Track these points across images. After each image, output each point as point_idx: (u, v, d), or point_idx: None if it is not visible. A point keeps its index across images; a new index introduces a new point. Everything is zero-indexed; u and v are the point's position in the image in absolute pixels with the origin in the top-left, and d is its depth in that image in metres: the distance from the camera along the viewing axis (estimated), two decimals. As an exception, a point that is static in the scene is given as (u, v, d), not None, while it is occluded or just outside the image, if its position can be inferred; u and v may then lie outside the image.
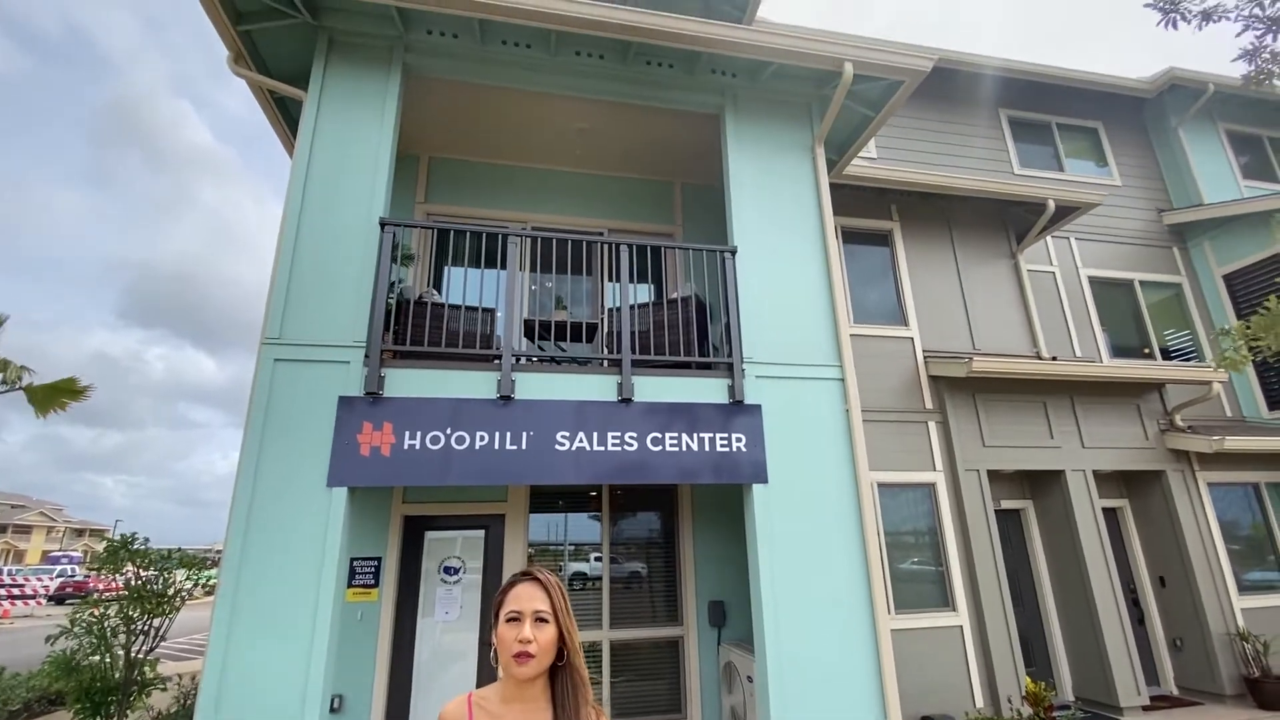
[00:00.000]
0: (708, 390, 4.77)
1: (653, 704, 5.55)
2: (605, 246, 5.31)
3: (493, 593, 5.43)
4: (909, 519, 6.44)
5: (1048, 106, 9.72)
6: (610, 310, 5.28)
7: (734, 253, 5.11)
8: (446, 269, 6.32)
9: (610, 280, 6.31)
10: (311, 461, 4.00)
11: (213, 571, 10.14)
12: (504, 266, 6.52)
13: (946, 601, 6.18)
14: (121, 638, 5.53)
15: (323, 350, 4.22)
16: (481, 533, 5.67)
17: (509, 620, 1.41)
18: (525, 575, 1.48)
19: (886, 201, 7.69)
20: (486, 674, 5.24)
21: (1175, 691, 6.68)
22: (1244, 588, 6.92)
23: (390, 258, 4.51)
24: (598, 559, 5.86)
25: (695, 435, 4.58)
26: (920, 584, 6.24)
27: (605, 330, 5.22)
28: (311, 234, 4.47)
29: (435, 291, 5.17)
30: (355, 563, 5.20)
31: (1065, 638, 6.71)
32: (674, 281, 6.76)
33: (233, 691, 3.56)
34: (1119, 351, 8.59)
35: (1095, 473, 6.96)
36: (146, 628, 5.64)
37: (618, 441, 4.44)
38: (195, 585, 6.72)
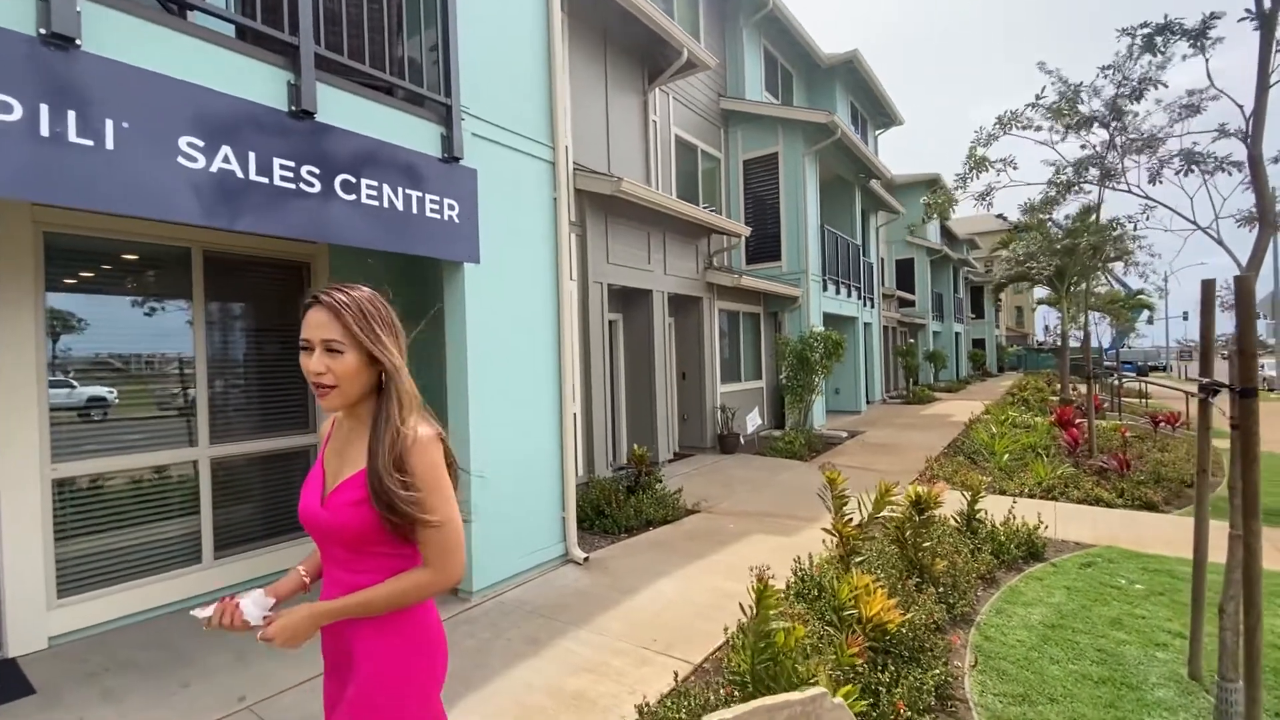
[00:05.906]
0: (417, 134, 3.62)
1: (279, 524, 4.45)
2: None
3: (-29, 406, 3.19)
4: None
5: (676, -40, 10.39)
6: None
7: (456, -45, 3.80)
8: None
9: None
10: None
11: None
12: None
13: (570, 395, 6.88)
14: None
15: None
16: (-75, 306, 3.10)
17: (302, 349, 1.29)
18: (313, 299, 1.29)
19: (560, -14, 7.00)
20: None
21: (679, 449, 9.46)
22: (722, 381, 10.13)
23: None
24: (187, 360, 4.05)
25: (400, 190, 3.47)
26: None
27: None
28: None
29: None
30: None
31: (629, 417, 8.50)
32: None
33: None
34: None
35: (667, 295, 8.68)
36: None
37: (290, 175, 2.97)
38: None
